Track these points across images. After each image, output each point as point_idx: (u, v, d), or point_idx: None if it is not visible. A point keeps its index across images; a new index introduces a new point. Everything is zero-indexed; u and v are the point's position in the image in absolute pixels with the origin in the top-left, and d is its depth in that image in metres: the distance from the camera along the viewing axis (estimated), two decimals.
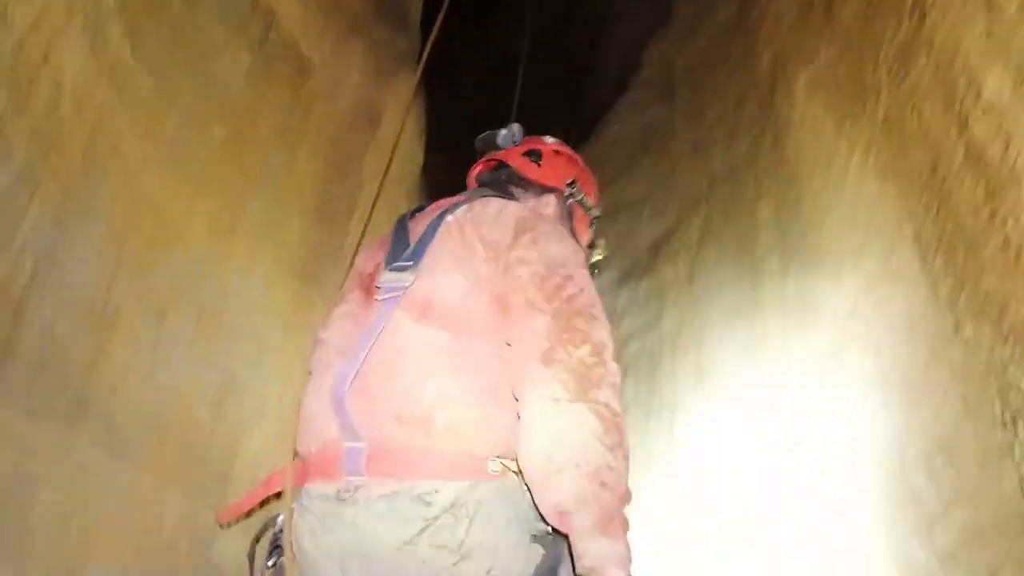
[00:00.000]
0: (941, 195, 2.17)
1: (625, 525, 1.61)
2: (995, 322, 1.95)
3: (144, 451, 2.38)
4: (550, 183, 2.26)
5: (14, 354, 2.05)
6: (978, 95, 2.01)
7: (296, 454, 1.85)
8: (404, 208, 4.25)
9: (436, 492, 1.60)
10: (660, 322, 3.83)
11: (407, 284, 1.76)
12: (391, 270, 1.82)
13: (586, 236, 2.33)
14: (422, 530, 1.58)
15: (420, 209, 2.11)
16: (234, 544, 2.55)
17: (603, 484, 1.57)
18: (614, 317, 4.00)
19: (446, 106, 5.66)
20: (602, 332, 1.74)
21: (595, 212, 2.34)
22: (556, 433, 1.60)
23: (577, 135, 5.55)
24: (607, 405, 1.64)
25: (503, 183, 2.23)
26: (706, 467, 3.23)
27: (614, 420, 1.63)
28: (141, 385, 2.41)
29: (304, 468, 1.77)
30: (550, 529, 1.65)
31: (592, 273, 2.05)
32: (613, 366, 1.72)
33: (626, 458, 1.65)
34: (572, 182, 2.28)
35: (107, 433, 2.29)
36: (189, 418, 2.55)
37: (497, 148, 2.32)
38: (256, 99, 2.97)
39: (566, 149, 2.35)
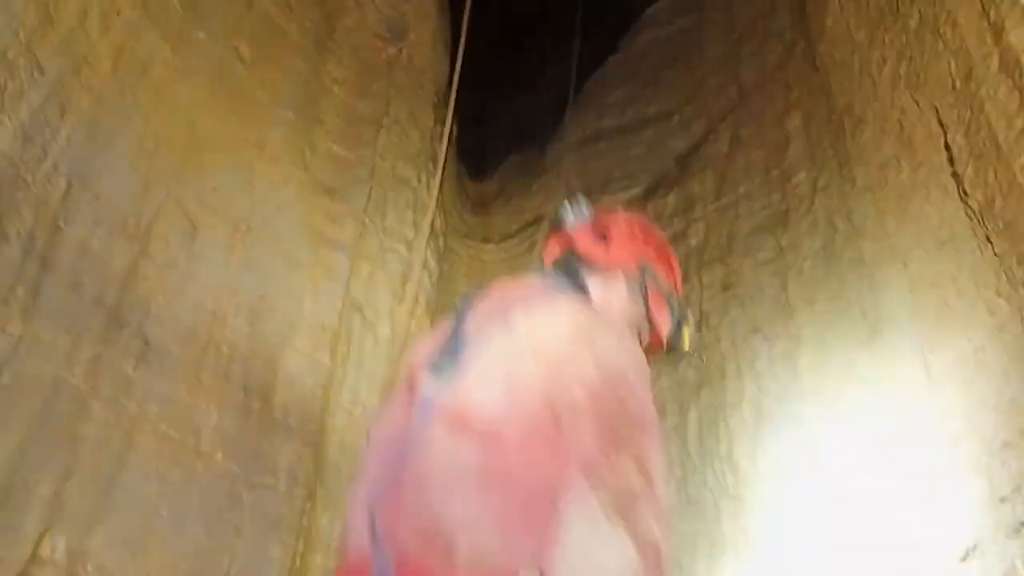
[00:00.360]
0: (974, 106, 2.14)
1: None
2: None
3: (180, 365, 2.44)
4: (619, 267, 2.15)
5: (52, 269, 2.10)
6: (1015, 1, 1.96)
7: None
8: (430, 125, 4.26)
9: None
10: (687, 235, 3.83)
11: (445, 395, 1.70)
12: (432, 374, 1.74)
13: (663, 318, 2.19)
14: None
15: (482, 293, 2.04)
16: (269, 450, 2.62)
17: None
18: None
19: (472, 19, 5.57)
20: (654, 453, 1.69)
21: (672, 294, 2.19)
22: (593, 562, 1.56)
23: (604, 46, 5.45)
24: (648, 534, 1.59)
25: (574, 269, 2.14)
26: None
27: (655, 553, 1.59)
28: (175, 300, 2.45)
29: (348, 572, 1.76)
30: None
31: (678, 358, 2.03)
32: (661, 491, 1.65)
33: None
34: (643, 265, 2.15)
35: (143, 347, 2.34)
36: (224, 333, 2.60)
37: (566, 226, 2.21)
38: (283, 12, 2.95)
39: (639, 224, 2.22)
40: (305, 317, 2.95)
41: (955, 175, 2.23)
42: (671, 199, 4.11)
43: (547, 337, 1.74)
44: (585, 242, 2.13)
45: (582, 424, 1.61)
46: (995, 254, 2.05)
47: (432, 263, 4.02)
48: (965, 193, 2.17)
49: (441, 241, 4.17)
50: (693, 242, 3.76)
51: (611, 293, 2.07)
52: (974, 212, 2.14)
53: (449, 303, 4.15)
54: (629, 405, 1.66)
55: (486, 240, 4.58)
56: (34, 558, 1.99)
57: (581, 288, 2.06)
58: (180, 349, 2.45)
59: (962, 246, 2.20)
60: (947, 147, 2.28)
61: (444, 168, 4.05)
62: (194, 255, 2.53)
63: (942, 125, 2.31)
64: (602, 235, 2.13)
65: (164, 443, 2.34)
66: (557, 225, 2.25)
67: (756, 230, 3.42)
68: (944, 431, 2.32)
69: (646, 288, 2.14)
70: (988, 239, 2.07)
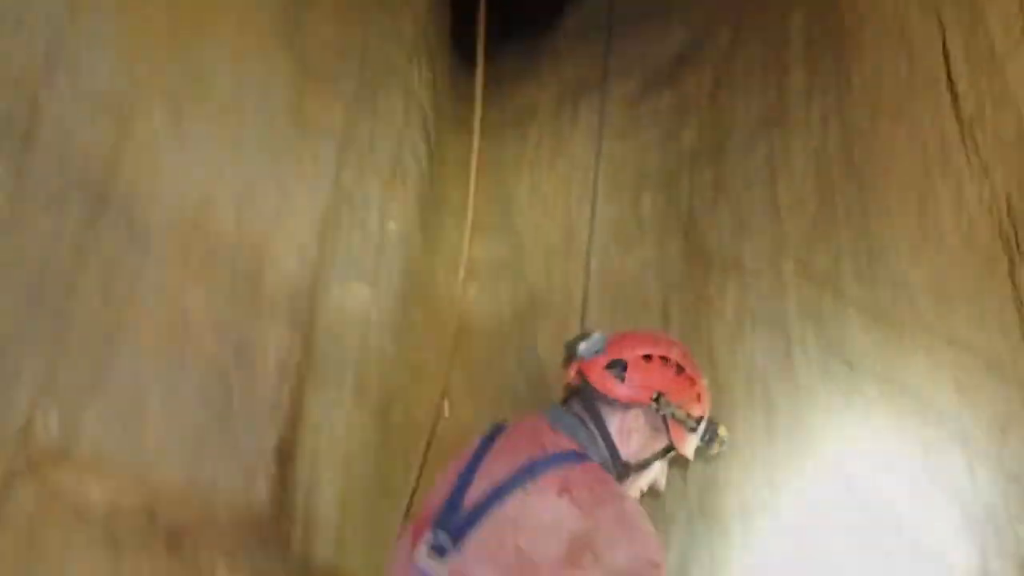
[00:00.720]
0: (975, 7, 2.11)
1: None
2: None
3: (168, 249, 2.45)
4: (635, 400, 2.09)
5: (32, 148, 2.08)
6: None
7: None
8: (423, 11, 4.16)
9: None
10: (680, 134, 3.80)
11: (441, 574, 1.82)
12: (431, 549, 1.84)
13: (683, 441, 2.17)
14: None
15: (503, 430, 2.04)
16: (258, 335, 2.67)
17: None
18: (631, 131, 3.97)
19: None
20: None
21: (691, 423, 2.16)
22: None
23: None
24: None
25: (590, 403, 2.13)
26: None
27: None
28: (161, 184, 2.44)
29: None
30: None
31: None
32: None
33: None
34: (658, 396, 2.12)
35: (130, 230, 2.35)
36: (211, 218, 2.60)
37: (580, 358, 2.18)
38: None
39: (658, 351, 2.20)
40: (293, 204, 2.95)
41: (950, 80, 2.22)
42: (666, 96, 4.07)
43: (535, 540, 1.82)
44: (600, 377, 2.14)
45: None
46: (980, 161, 2.06)
47: (422, 153, 4.00)
48: (957, 97, 2.16)
49: (432, 130, 4.14)
50: (686, 141, 3.73)
51: (627, 425, 2.09)
52: (964, 119, 2.14)
53: (440, 193, 4.15)
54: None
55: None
56: (28, 427, 2.05)
57: (598, 421, 2.10)
58: (167, 233, 2.45)
59: (950, 152, 2.20)
60: (945, 50, 2.26)
61: (436, 58, 4.00)
62: (179, 137, 2.51)
63: (942, 25, 2.28)
64: (616, 366, 2.13)
65: (153, 325, 2.37)
66: (571, 355, 2.23)
67: (750, 130, 3.40)
68: (917, 327, 2.37)
69: (664, 417, 2.14)
70: (976, 147, 2.07)
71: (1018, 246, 2.06)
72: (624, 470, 2.04)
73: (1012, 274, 2.12)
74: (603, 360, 2.09)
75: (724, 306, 3.27)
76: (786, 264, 3.03)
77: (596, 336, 2.14)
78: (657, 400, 2.05)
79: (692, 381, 2.10)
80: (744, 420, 2.98)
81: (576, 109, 4.23)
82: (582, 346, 2.12)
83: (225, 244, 2.63)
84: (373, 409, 3.45)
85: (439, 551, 1.82)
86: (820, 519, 2.60)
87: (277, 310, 2.78)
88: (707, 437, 2.14)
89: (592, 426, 2.05)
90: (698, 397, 2.11)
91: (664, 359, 2.09)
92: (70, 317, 2.16)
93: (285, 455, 2.74)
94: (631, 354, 2.09)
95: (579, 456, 1.92)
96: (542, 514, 1.78)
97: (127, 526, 2.30)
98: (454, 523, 1.85)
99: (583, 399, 2.10)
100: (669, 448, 2.09)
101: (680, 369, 2.09)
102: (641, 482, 2.10)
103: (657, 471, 2.12)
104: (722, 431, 2.15)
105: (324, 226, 3.07)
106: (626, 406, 2.06)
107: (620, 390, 2.06)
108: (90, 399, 2.18)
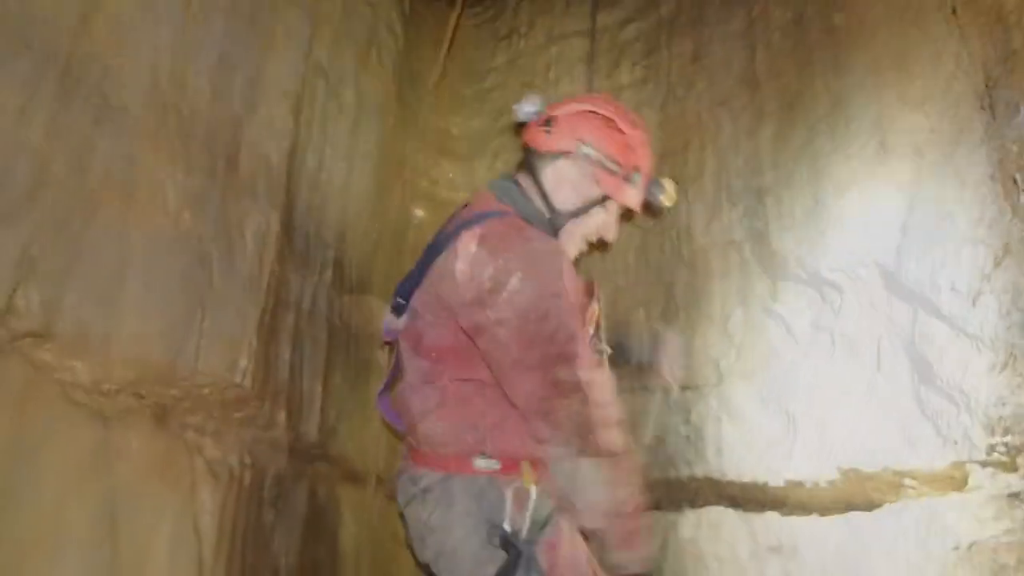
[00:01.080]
0: None
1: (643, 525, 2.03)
2: None
3: (142, 127, 2.41)
4: (561, 148, 2.18)
5: None
6: None
7: None
8: None
9: (421, 477, 2.13)
10: (658, 4, 3.73)
11: (401, 327, 2.23)
12: (391, 309, 2.27)
13: (621, 193, 2.19)
14: (407, 503, 2.18)
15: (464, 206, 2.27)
16: (237, 211, 2.67)
17: (621, 513, 1.98)
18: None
19: None
20: (582, 369, 1.94)
21: (619, 170, 2.19)
22: (580, 488, 1.97)
23: None
24: (606, 446, 1.93)
25: (531, 163, 2.25)
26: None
27: (614, 458, 1.94)
28: (131, 59, 2.39)
29: None
30: (508, 531, 2.00)
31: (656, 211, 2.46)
32: (601, 396, 1.96)
33: (633, 473, 2.00)
34: (584, 141, 2.17)
35: (103, 108, 2.31)
36: (184, 94, 2.56)
37: (520, 120, 2.31)
38: None
39: (587, 107, 2.22)
40: (267, 80, 2.89)
41: None
42: None
43: (451, 288, 2.02)
44: (532, 134, 2.25)
45: (519, 369, 1.97)
46: (958, 27, 2.05)
47: (398, 27, 3.91)
48: None
49: (407, 3, 4.03)
50: (664, 11, 3.67)
51: (558, 176, 2.18)
52: None
53: (416, 68, 4.08)
54: (548, 328, 1.93)
55: (453, 4, 4.43)
56: (9, 308, 2.06)
57: (535, 176, 2.20)
58: (140, 109, 2.41)
59: (929, 18, 2.19)
60: None
61: None
62: (148, 9, 2.44)
63: None
64: (548, 123, 2.23)
65: (130, 202, 2.36)
66: (516, 121, 2.36)
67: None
68: (894, 200, 2.40)
69: (592, 165, 2.24)
70: (954, 10, 2.05)
71: (992, 108, 2.08)
72: (560, 219, 2.21)
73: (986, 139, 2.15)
74: (539, 120, 2.26)
75: (703, 180, 3.29)
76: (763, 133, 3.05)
77: (533, 98, 2.30)
78: (584, 143, 2.18)
79: (621, 131, 2.22)
80: (720, 285, 3.06)
81: None
82: (522, 108, 2.30)
83: (200, 120, 2.60)
84: (352, 285, 3.48)
85: (395, 309, 2.24)
86: None
87: (255, 187, 2.77)
88: (651, 190, 2.28)
89: (530, 182, 2.23)
90: (628, 146, 2.22)
91: (592, 112, 2.23)
92: (44, 198, 2.15)
93: (267, 333, 2.78)
94: (561, 110, 2.24)
95: (502, 213, 2.13)
96: (459, 264, 2.02)
97: (113, 403, 2.36)
98: (406, 286, 2.20)
99: (525, 160, 2.29)
100: (606, 197, 2.21)
101: (609, 121, 2.21)
102: (582, 230, 2.26)
103: (599, 221, 2.26)
104: (668, 184, 2.27)
105: (299, 101, 3.03)
106: (555, 156, 2.20)
107: (546, 142, 2.21)
108: (69, 279, 2.19)
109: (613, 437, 1.95)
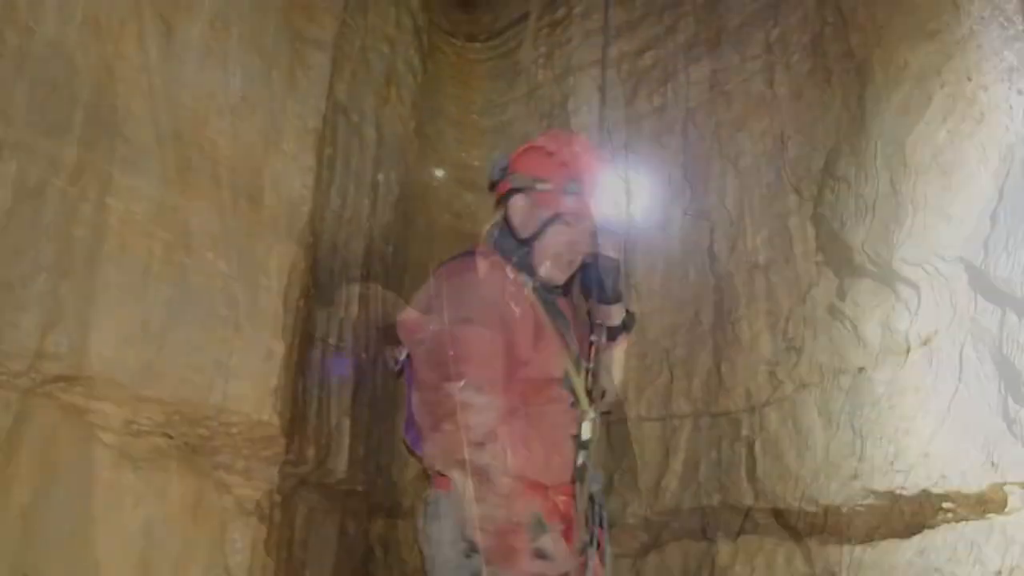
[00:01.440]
0: None
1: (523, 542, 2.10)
2: None
3: (165, 167, 2.44)
4: (509, 187, 2.46)
5: (25, 73, 2.09)
6: None
7: None
8: None
9: (428, 496, 2.37)
10: (676, 30, 3.74)
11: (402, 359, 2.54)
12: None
13: (559, 203, 2.38)
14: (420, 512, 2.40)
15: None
16: (262, 249, 2.69)
17: (488, 530, 2.09)
18: (628, 27, 3.90)
19: None
20: (465, 390, 2.12)
21: (547, 186, 2.39)
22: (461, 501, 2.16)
23: None
24: (474, 466, 2.08)
25: (503, 209, 2.51)
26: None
27: (482, 477, 2.08)
28: (154, 101, 2.43)
29: None
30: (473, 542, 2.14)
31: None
32: (475, 419, 2.10)
33: (500, 480, 2.11)
34: (517, 173, 2.45)
35: (125, 149, 2.34)
36: (206, 134, 2.59)
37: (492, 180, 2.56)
38: None
39: (528, 144, 2.52)
40: (288, 118, 2.92)
41: None
42: None
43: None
44: (498, 185, 2.56)
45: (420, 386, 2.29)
46: (978, 45, 2.03)
47: (416, 62, 3.95)
48: None
49: (425, 39, 4.07)
50: (681, 38, 3.68)
51: (514, 210, 2.40)
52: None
53: (435, 103, 4.11)
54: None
55: (471, 38, 4.47)
56: (39, 352, 2.09)
57: (507, 219, 2.44)
58: (163, 151, 2.45)
59: (948, 37, 2.17)
60: None
61: None
62: (170, 55, 2.48)
63: None
64: (502, 171, 2.47)
65: (155, 243, 2.39)
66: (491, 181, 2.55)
67: (745, 24, 3.34)
68: (905, 226, 2.36)
69: (531, 193, 2.40)
70: (972, 29, 2.04)
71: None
72: (527, 247, 2.41)
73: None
74: (501, 172, 2.51)
75: (725, 205, 3.28)
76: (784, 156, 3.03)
77: (496, 159, 2.55)
78: (513, 178, 2.44)
79: (550, 154, 2.44)
80: (747, 309, 3.04)
81: (571, 9, 4.14)
82: (490, 171, 2.55)
83: (222, 160, 2.63)
84: (378, 319, 3.49)
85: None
86: None
87: (279, 224, 2.79)
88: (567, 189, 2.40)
89: (503, 223, 2.48)
90: (559, 163, 2.41)
91: (528, 147, 2.51)
92: (72, 241, 2.18)
93: (294, 370, 2.79)
94: (512, 158, 2.51)
95: (468, 252, 2.43)
96: (420, 295, 2.40)
97: (143, 444, 2.37)
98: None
99: (496, 227, 2.52)
100: (557, 215, 2.39)
101: (539, 148, 2.47)
102: (551, 250, 2.41)
103: (564, 238, 2.40)
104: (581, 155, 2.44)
105: (320, 139, 3.06)
106: (506, 196, 2.48)
107: (501, 186, 2.49)
108: (96, 319, 2.22)
109: (482, 459, 2.09)
